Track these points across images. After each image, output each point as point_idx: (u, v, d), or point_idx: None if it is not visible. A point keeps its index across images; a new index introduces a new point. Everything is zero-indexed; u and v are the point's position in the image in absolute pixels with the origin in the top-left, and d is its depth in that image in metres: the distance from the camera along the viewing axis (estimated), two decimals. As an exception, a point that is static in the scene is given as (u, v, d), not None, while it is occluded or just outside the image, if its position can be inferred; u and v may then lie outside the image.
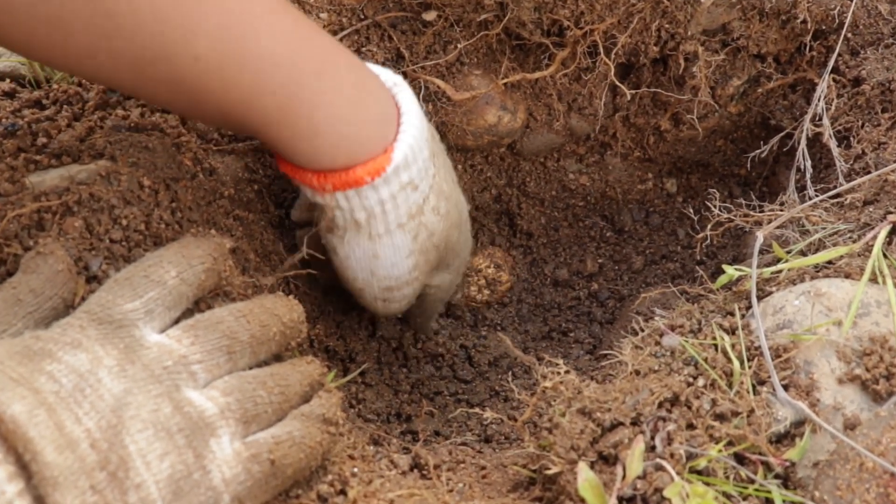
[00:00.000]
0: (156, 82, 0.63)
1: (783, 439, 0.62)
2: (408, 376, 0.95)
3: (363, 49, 0.90)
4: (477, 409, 0.70)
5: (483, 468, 0.70)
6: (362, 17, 0.90)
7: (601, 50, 0.92)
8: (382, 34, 0.91)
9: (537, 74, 0.95)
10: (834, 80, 0.93)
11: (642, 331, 0.72)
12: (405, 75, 0.91)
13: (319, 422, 0.61)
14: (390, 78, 0.75)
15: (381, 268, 0.78)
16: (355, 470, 0.63)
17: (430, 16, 0.90)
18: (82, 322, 0.56)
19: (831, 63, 0.93)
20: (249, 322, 0.62)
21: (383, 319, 0.95)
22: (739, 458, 0.60)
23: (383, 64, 0.89)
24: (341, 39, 0.88)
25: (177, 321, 0.61)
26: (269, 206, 0.87)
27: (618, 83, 0.95)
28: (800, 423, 0.62)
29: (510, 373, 0.93)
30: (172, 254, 0.63)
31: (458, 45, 0.91)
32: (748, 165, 1.04)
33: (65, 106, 0.83)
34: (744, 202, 0.86)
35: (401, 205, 0.73)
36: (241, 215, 0.80)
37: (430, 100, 0.93)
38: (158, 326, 0.59)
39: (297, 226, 0.86)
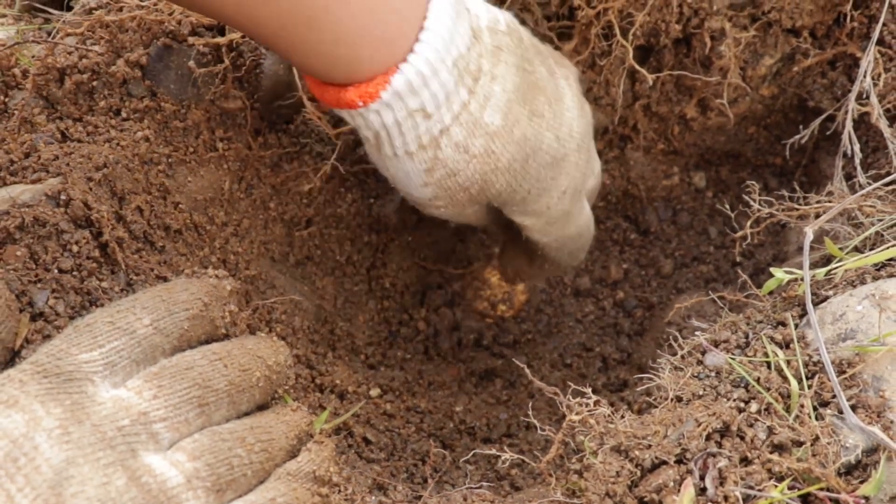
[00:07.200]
0: None
1: (854, 470, 0.58)
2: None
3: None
4: (494, 451, 0.63)
5: (503, 516, 0.66)
6: None
7: (617, 31, 0.89)
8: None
9: (546, 62, 0.94)
10: (879, 52, 0.89)
11: (680, 348, 0.68)
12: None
13: (309, 481, 0.56)
14: None
15: (399, 186, 0.75)
16: (353, 532, 0.59)
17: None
18: (24, 375, 0.51)
19: (876, 34, 0.89)
20: (227, 366, 0.57)
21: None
22: (805, 497, 0.56)
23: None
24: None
25: None
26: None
27: (637, 67, 0.92)
28: (873, 451, 0.58)
29: (531, 400, 0.85)
30: (150, 297, 0.58)
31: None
32: (785, 154, 1.00)
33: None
34: (786, 194, 0.83)
35: (406, 132, 0.68)
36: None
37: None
38: (121, 384, 0.54)
39: None
